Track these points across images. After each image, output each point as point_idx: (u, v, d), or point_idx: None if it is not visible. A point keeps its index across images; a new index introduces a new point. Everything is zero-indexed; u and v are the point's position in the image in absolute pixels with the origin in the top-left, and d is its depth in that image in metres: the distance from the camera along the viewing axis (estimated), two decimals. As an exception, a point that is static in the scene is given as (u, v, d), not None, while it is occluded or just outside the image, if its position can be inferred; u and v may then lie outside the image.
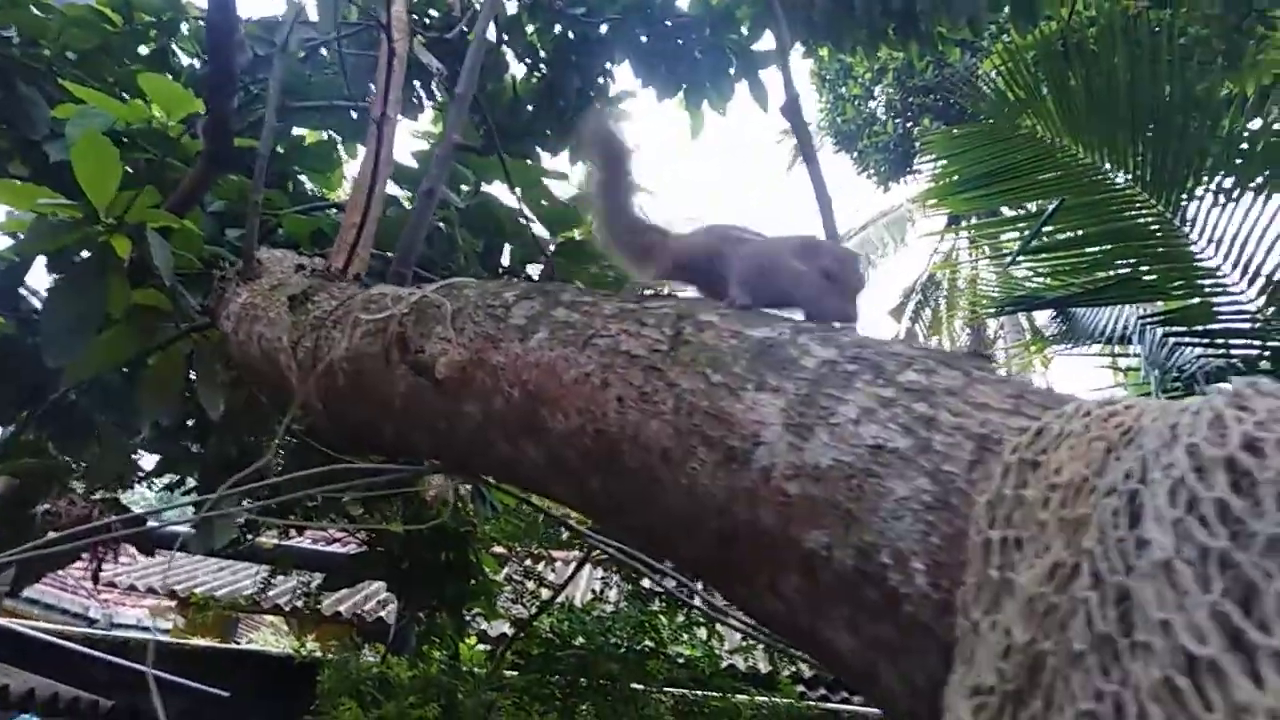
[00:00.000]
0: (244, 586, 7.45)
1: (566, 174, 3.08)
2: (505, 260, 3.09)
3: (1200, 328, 3.58)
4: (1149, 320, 3.80)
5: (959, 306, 16.62)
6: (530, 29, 4.38)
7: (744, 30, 4.30)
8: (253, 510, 2.51)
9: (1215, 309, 3.53)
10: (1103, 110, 3.55)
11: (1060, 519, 0.61)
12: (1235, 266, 3.42)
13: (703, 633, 4.09)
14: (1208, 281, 3.53)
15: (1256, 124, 4.00)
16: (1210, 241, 3.47)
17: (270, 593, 6.20)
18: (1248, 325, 3.46)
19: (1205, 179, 3.46)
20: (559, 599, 4.10)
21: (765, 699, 4.00)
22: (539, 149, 4.26)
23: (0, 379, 2.69)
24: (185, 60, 3.19)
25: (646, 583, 3.96)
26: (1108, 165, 3.65)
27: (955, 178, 4.23)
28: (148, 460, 3.20)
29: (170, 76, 2.77)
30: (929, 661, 0.70)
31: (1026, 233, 3.99)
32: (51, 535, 2.62)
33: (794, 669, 4.58)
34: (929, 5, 3.96)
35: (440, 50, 3.67)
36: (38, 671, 5.49)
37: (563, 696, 3.83)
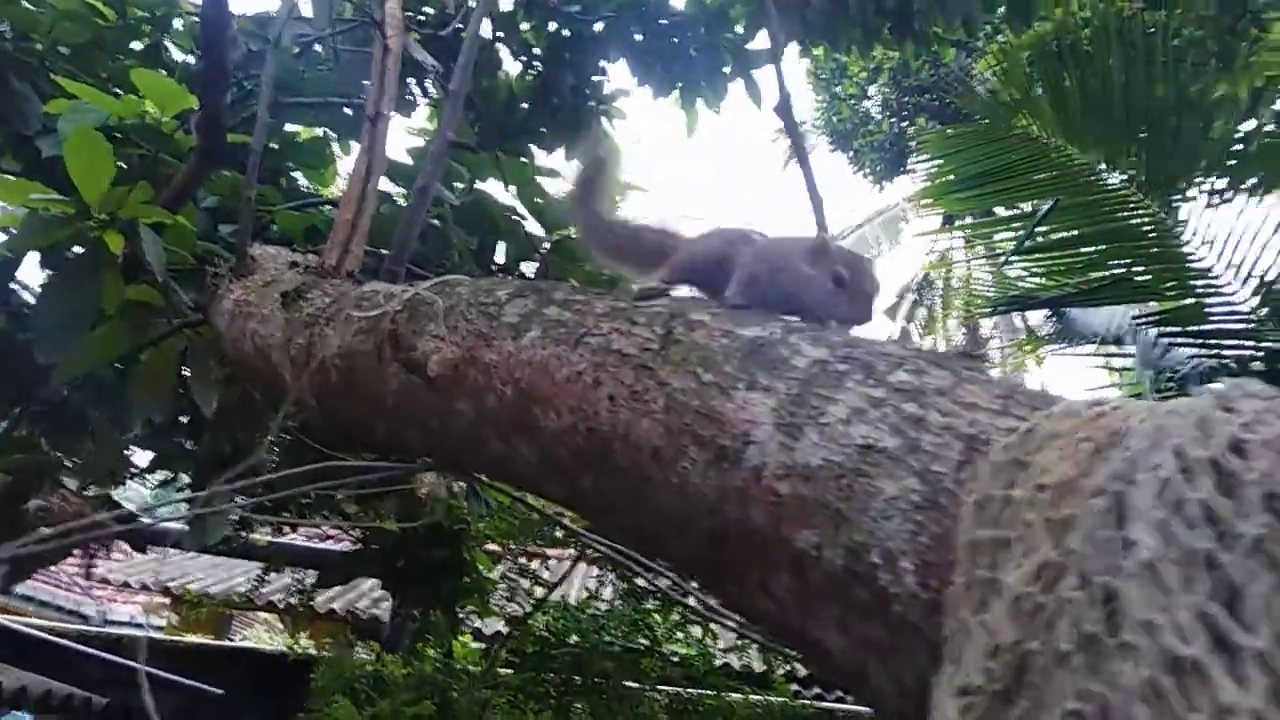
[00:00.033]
0: (238, 583, 7.45)
1: (560, 171, 3.08)
2: (499, 258, 3.09)
3: (1194, 328, 3.59)
4: (1143, 320, 3.81)
5: (954, 306, 16.64)
6: (525, 26, 4.37)
7: (739, 29, 4.30)
8: (246, 507, 2.50)
9: (1208, 310, 3.54)
10: (1097, 111, 3.56)
11: (1047, 519, 0.61)
12: (1228, 267, 3.44)
13: (697, 631, 4.10)
14: (1201, 282, 3.54)
15: (1250, 125, 4.02)
16: (1204, 242, 3.48)
17: (264, 590, 6.19)
18: (1241, 326, 3.47)
19: (1199, 180, 3.47)
20: (553, 597, 4.11)
21: (759, 697, 4.01)
22: (534, 146, 4.26)
23: (-8, 375, 2.68)
24: (178, 55, 3.18)
25: (641, 581, 3.97)
26: (1102, 166, 3.66)
27: (950, 177, 4.24)
28: (141, 457, 3.20)
29: (163, 72, 2.76)
30: (918, 661, 0.70)
31: (1021, 233, 4.00)
32: (44, 531, 2.61)
33: (789, 668, 4.59)
34: (924, 5, 3.96)
35: (435, 47, 3.65)
36: (30, 668, 5.48)
37: (557, 694, 3.84)
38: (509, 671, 4.02)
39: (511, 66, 4.44)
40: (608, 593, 4.37)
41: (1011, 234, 4.26)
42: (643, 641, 3.91)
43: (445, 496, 3.20)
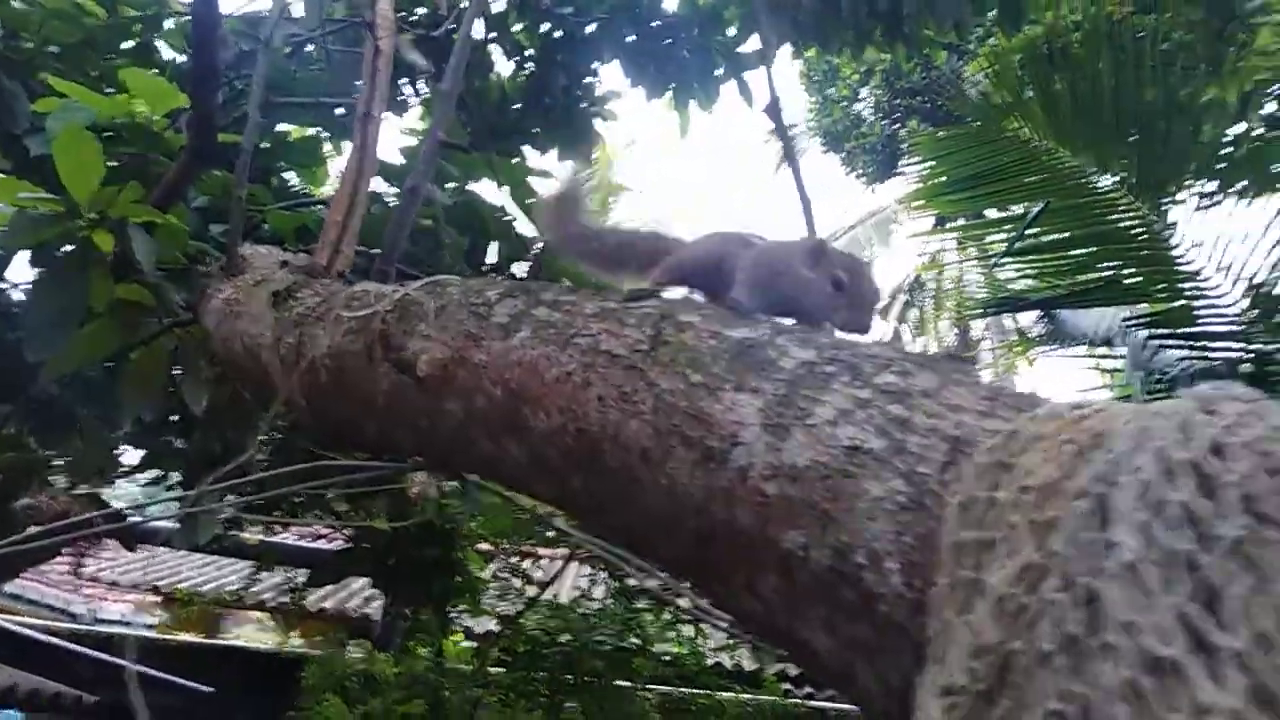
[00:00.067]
0: (229, 582, 7.43)
1: (552, 172, 3.08)
2: (491, 258, 3.09)
3: (1183, 330, 3.61)
4: (1133, 322, 3.83)
5: (945, 307, 16.68)
6: (518, 27, 4.37)
7: (731, 31, 4.30)
8: (237, 506, 2.50)
9: (1197, 312, 3.56)
10: (1088, 114, 3.57)
11: (1031, 521, 0.62)
12: (1218, 270, 3.46)
13: (688, 630, 4.10)
14: (1190, 285, 3.56)
15: (1239, 129, 4.04)
16: (1193, 245, 3.50)
17: (255, 589, 6.18)
18: (1230, 328, 3.49)
19: (1188, 183, 3.49)
20: (545, 596, 4.10)
21: (750, 696, 4.01)
22: (526, 147, 4.26)
23: (-19, 373, 2.67)
24: (169, 55, 3.17)
25: (633, 580, 3.97)
26: (1093, 169, 3.67)
27: (942, 179, 4.25)
28: (131, 455, 3.19)
29: (154, 71, 2.76)
30: (903, 661, 0.70)
31: (1012, 235, 4.01)
32: (32, 530, 2.60)
33: (780, 667, 4.60)
34: (915, 8, 3.97)
35: (427, 48, 3.65)
36: (20, 667, 5.45)
37: (548, 693, 3.84)
38: (500, 670, 4.01)
39: (504, 67, 4.44)
40: (599, 592, 4.37)
41: (1003, 236, 4.27)
42: (634, 640, 3.91)
43: (436, 496, 3.20)
